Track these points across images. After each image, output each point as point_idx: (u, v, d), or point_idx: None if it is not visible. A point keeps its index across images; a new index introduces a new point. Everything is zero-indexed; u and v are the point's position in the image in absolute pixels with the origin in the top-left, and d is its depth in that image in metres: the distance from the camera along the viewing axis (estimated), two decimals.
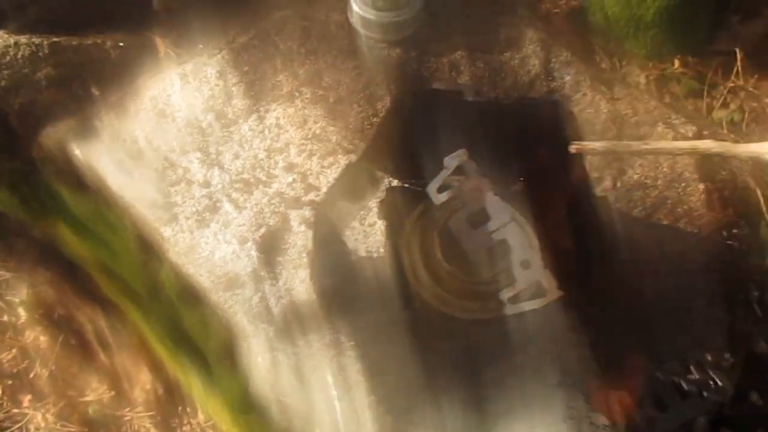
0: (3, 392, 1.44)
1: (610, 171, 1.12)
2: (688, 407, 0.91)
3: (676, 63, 1.29)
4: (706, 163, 1.14)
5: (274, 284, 0.97)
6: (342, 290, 0.91)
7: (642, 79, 1.30)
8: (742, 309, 1.07)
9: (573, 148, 0.67)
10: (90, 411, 1.43)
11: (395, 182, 1.04)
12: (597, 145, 0.66)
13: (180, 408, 1.38)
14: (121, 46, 1.30)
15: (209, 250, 1.00)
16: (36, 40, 1.26)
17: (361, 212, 1.03)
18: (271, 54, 1.21)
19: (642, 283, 1.04)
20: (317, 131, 1.11)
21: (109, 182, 1.09)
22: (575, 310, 0.96)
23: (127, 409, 1.44)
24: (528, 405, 0.86)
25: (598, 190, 1.09)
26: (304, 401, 0.89)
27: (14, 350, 1.49)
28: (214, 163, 1.09)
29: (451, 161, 0.92)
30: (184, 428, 1.37)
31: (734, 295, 1.07)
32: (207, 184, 1.06)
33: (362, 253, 0.99)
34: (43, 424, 1.42)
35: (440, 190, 0.92)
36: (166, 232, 1.02)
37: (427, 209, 0.94)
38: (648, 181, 1.12)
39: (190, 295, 1.06)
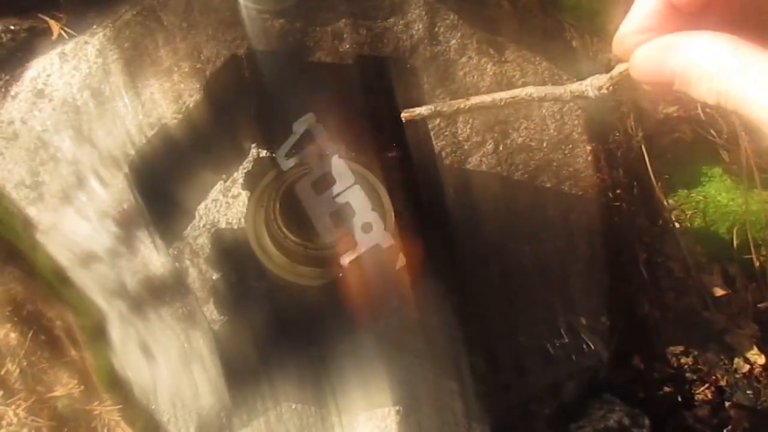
0: None
1: (492, 134, 1.08)
2: (552, 372, 0.87)
3: None
4: (597, 124, 1.10)
5: (131, 260, 0.95)
6: (197, 263, 0.89)
7: (613, 56, 1.25)
8: (628, 271, 1.03)
9: (403, 116, 0.64)
10: (59, 406, 1.42)
11: (264, 152, 1.01)
12: (422, 109, 0.63)
13: None
14: (12, 30, 1.28)
15: (70, 228, 0.99)
16: None
17: (226, 184, 1.00)
18: (154, 29, 1.19)
19: (517, 248, 1.00)
20: (191, 104, 1.09)
21: None
22: (438, 278, 0.93)
23: (96, 403, 1.43)
24: (368, 373, 0.83)
25: (478, 155, 1.06)
26: (148, 375, 0.87)
27: None
28: (85, 140, 1.07)
29: (299, 126, 0.89)
30: None
31: (618, 257, 1.03)
32: (76, 162, 1.05)
33: (222, 225, 0.96)
34: (14, 420, 1.41)
35: (288, 155, 0.90)
36: (32, 211, 1.01)
37: (275, 177, 0.92)
38: (533, 144, 1.08)
39: (61, 274, 1.04)
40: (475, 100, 0.60)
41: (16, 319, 1.53)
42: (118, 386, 1.00)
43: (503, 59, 1.16)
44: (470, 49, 1.15)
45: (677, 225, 1.14)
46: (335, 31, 1.16)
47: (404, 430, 0.74)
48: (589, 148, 1.07)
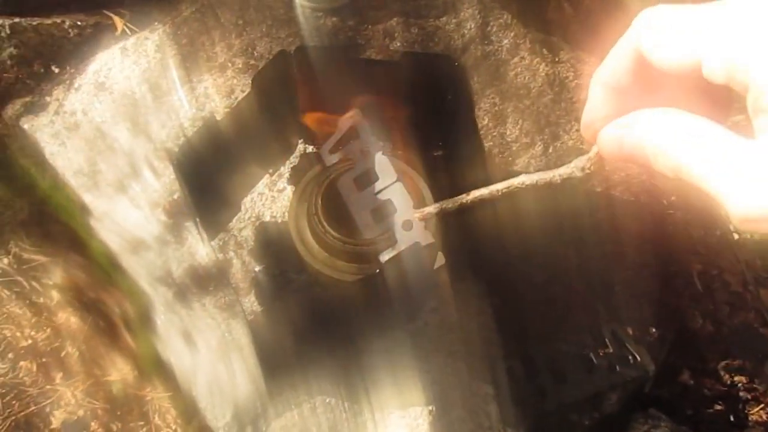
0: (38, 369, 1.52)
1: (541, 136, 1.06)
2: (593, 381, 0.84)
3: None
4: None
5: (178, 249, 0.97)
6: (241, 255, 0.91)
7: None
8: (680, 282, 0.98)
9: (415, 215, 0.67)
10: (114, 390, 1.49)
11: (310, 148, 1.02)
12: (431, 208, 0.67)
13: None
14: (79, 25, 1.34)
15: (122, 216, 1.02)
16: None
17: (273, 177, 1.02)
18: (211, 26, 1.22)
19: (562, 251, 0.98)
20: (241, 99, 1.11)
21: (47, 153, 1.13)
22: (478, 278, 0.92)
23: (149, 389, 1.49)
24: (401, 372, 0.83)
25: (527, 156, 1.04)
26: (189, 362, 0.89)
27: (48, 330, 1.57)
28: (141, 132, 1.10)
29: (345, 122, 0.89)
30: None
31: (670, 267, 0.99)
32: (131, 153, 1.08)
33: (267, 218, 0.98)
34: (72, 401, 1.49)
35: (332, 151, 0.90)
36: (88, 198, 1.05)
37: (318, 172, 0.92)
38: (584, 146, 1.05)
39: (114, 261, 1.08)
40: (475, 194, 0.64)
41: (77, 304, 1.60)
42: (162, 371, 1.03)
43: (557, 60, 1.13)
44: (523, 49, 1.13)
45: (736, 237, 1.09)
46: (387, 30, 1.16)
47: (436, 430, 0.73)
48: None
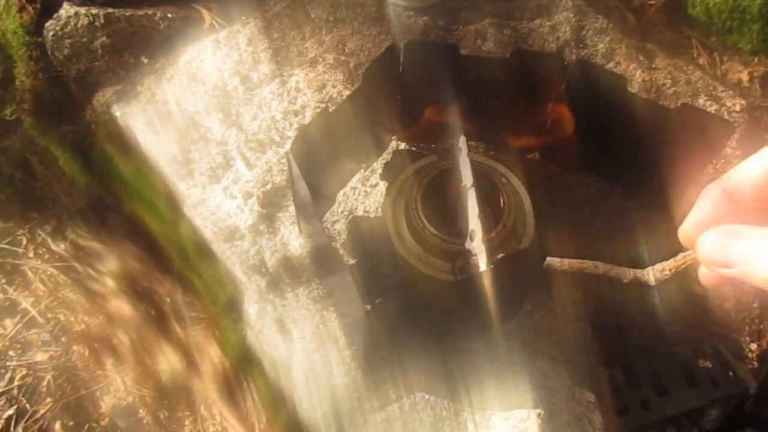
0: (90, 354, 1.56)
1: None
2: (694, 396, 0.82)
3: None
4: None
5: (271, 238, 0.98)
6: (334, 248, 0.91)
7: (744, 76, 1.19)
8: None
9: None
10: (163, 378, 1.52)
11: (402, 145, 1.02)
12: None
13: (245, 383, 1.44)
14: (169, 18, 1.37)
15: (216, 204, 1.03)
16: (93, 11, 1.35)
17: (365, 173, 1.02)
18: (301, 22, 1.23)
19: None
20: (334, 95, 1.12)
21: (139, 140, 1.15)
22: (575, 284, 0.90)
23: (197, 380, 1.52)
24: (502, 373, 0.82)
25: None
26: (283, 351, 0.90)
27: (101, 316, 1.61)
28: (233, 123, 1.12)
29: (442, 119, 0.89)
30: (247, 403, 1.43)
31: None
32: (224, 143, 1.10)
33: (360, 212, 0.98)
34: (122, 387, 1.52)
35: (431, 149, 0.90)
36: (182, 186, 1.07)
37: (418, 168, 0.92)
38: None
39: (203, 248, 1.10)
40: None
41: (130, 292, 1.63)
42: (247, 359, 1.04)
43: (653, 66, 1.11)
44: (618, 54, 1.12)
45: None
46: (479, 30, 1.16)
47: None
48: None
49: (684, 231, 0.48)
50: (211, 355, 1.55)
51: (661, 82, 1.09)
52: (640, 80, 1.08)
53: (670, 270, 0.51)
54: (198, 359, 1.55)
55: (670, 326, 0.87)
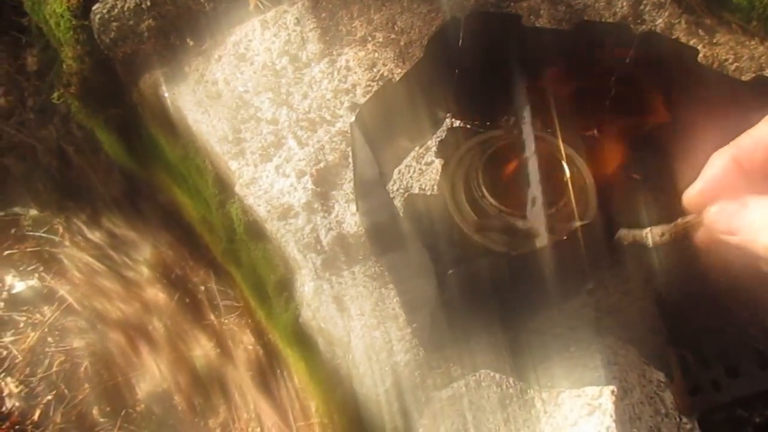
0: (126, 341, 1.57)
1: None
2: (765, 378, 0.80)
3: None
4: None
5: (325, 216, 0.97)
6: (389, 225, 0.90)
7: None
8: None
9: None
10: (197, 365, 1.53)
11: (457, 122, 1.01)
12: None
13: (278, 371, 1.44)
14: (214, 0, 1.37)
15: (269, 183, 1.03)
16: None
17: (419, 151, 1.00)
18: (349, 1, 1.22)
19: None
20: (385, 73, 1.10)
21: (189, 120, 1.15)
22: (637, 263, 0.88)
23: (230, 367, 1.52)
24: (569, 351, 0.80)
25: None
26: (342, 328, 0.89)
27: (137, 304, 1.63)
28: (283, 102, 1.11)
29: (504, 94, 0.87)
30: (280, 390, 1.43)
31: None
32: (275, 122, 1.09)
33: (416, 190, 0.97)
34: (157, 374, 1.53)
35: (495, 124, 0.88)
36: (233, 165, 1.06)
37: (474, 145, 0.91)
38: None
39: (254, 228, 1.09)
40: None
41: (165, 281, 1.64)
42: (299, 339, 1.03)
43: (714, 41, 1.08)
44: (678, 30, 1.08)
45: None
46: (532, 7, 1.14)
47: (620, 411, 0.70)
48: None
49: (689, 196, 0.48)
50: (245, 343, 1.55)
51: (723, 57, 1.05)
52: (701, 56, 1.05)
53: (670, 234, 0.51)
54: (232, 347, 1.56)
55: (739, 306, 0.84)
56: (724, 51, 1.06)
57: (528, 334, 0.82)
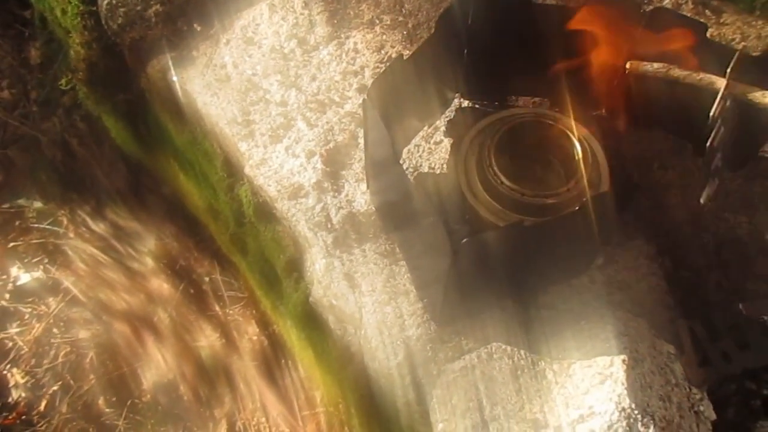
0: (131, 332, 1.57)
1: None
2: None
3: None
4: None
5: (336, 195, 0.98)
6: (401, 203, 0.90)
7: None
8: None
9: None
10: (203, 356, 1.53)
11: (466, 102, 1.01)
12: None
13: (282, 361, 1.44)
14: None
15: (279, 163, 1.03)
16: None
17: (428, 130, 1.01)
18: None
19: (732, 217, 0.93)
20: (393, 55, 1.11)
21: (199, 103, 1.16)
22: (647, 239, 0.89)
23: (235, 357, 1.53)
24: (580, 324, 0.80)
25: None
26: (353, 304, 0.89)
27: (142, 295, 1.63)
28: (292, 85, 1.12)
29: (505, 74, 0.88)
30: (285, 380, 1.43)
31: None
32: (284, 104, 1.10)
33: (425, 169, 0.97)
34: (162, 364, 1.53)
35: (505, 103, 0.89)
36: (243, 146, 1.07)
37: (487, 124, 0.91)
38: None
39: (264, 209, 1.10)
40: None
41: (169, 272, 1.64)
42: (310, 317, 1.04)
43: (721, 21, 1.09)
44: (685, 9, 1.09)
45: None
46: None
47: (632, 380, 0.70)
48: None
49: None
50: (250, 334, 1.56)
51: (731, 36, 1.06)
52: (708, 35, 1.05)
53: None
54: (237, 337, 1.56)
55: (749, 281, 0.85)
56: (731, 31, 1.07)
57: (539, 309, 0.83)
